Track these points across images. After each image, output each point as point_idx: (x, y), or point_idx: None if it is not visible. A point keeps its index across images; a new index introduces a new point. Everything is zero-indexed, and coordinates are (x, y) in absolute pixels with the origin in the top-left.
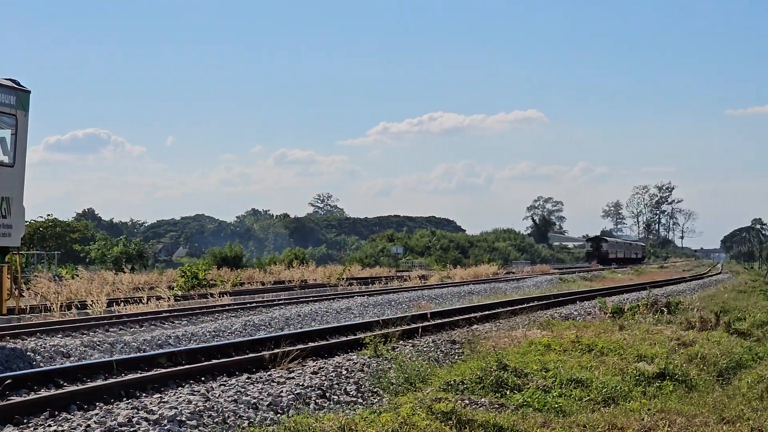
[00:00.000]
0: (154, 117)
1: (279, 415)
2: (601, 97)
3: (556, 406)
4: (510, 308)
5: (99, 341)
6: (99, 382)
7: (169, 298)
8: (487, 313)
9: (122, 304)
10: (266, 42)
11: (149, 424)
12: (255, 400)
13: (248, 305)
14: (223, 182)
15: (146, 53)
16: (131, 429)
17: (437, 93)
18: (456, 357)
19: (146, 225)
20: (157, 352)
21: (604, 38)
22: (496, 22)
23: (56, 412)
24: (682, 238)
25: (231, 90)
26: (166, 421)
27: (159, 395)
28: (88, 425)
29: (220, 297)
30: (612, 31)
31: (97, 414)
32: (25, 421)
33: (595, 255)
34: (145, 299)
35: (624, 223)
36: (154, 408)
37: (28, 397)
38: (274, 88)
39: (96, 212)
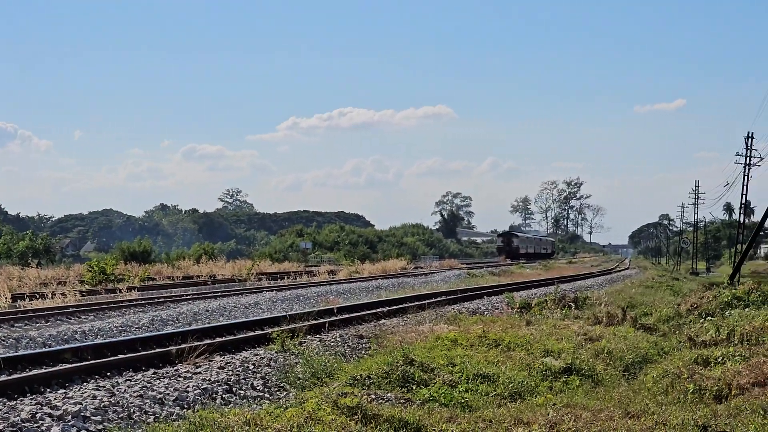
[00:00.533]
0: (61, 111)
1: (185, 410)
2: (510, 93)
3: (463, 401)
4: (417, 303)
5: (3, 336)
6: (2, 378)
7: (76, 293)
8: (394, 308)
9: (28, 299)
10: (175, 38)
11: (53, 420)
12: (161, 396)
13: (156, 300)
14: (132, 177)
15: (53, 47)
16: (35, 425)
17: (347, 88)
18: (363, 352)
19: (53, 220)
20: (62, 347)
21: (513, 35)
22: (406, 18)
23: None
24: (590, 233)
25: (139, 84)
26: (70, 416)
27: (64, 391)
28: None
29: (127, 292)
30: (521, 28)
31: (0, 410)
32: None
33: (506, 250)
34: (52, 294)
35: (533, 219)
36: (58, 404)
37: None
38: (183, 82)
39: (2, 206)
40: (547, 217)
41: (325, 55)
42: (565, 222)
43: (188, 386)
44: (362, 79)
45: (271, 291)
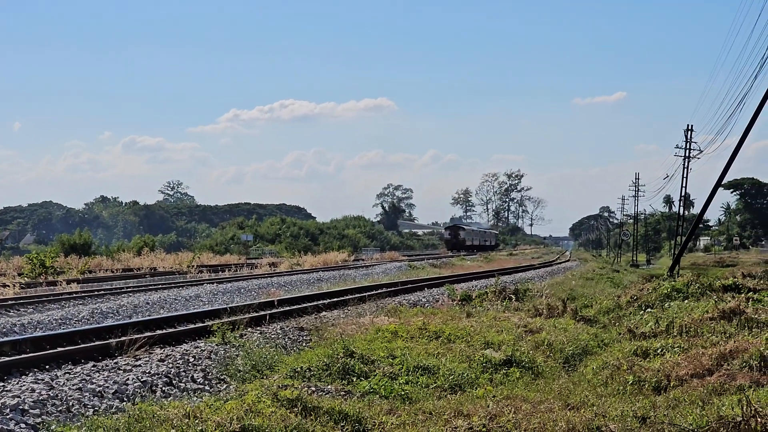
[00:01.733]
0: (1, 102)
1: (124, 403)
2: (450, 85)
3: (403, 393)
4: (358, 295)
5: None
6: None
7: (14, 285)
8: (335, 300)
9: None
10: (116, 31)
11: None
12: (100, 388)
13: (96, 293)
14: (71, 168)
15: None
16: None
17: (288, 80)
18: (304, 344)
19: None
20: (0, 340)
21: (454, 28)
22: (348, 11)
23: None
24: (531, 225)
25: (78, 75)
26: (8, 410)
27: (1, 384)
28: None
29: (67, 285)
30: (459, 21)
31: None
32: None
33: (453, 242)
34: None
35: (474, 211)
36: None
37: None
38: (123, 74)
39: None
40: (488, 209)
41: (266, 47)
42: (506, 214)
43: (128, 379)
44: (303, 72)
45: (212, 283)
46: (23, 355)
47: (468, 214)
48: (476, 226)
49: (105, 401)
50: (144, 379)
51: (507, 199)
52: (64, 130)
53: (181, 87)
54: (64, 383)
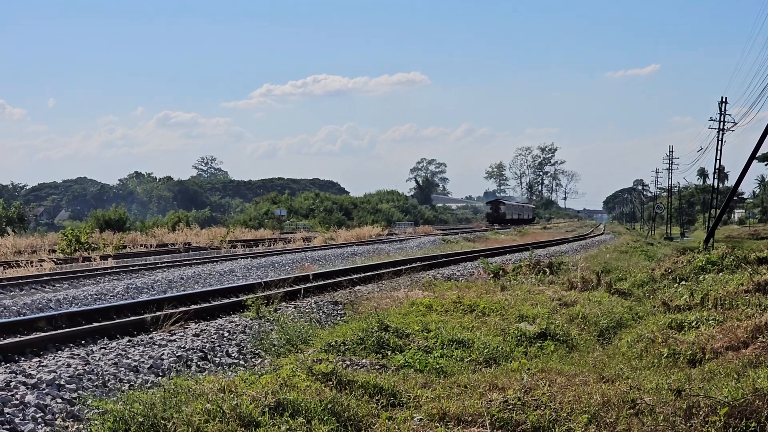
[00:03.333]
0: (35, 79)
1: (160, 377)
2: (483, 59)
3: (438, 366)
4: (392, 269)
5: None
6: None
7: (51, 261)
8: (369, 274)
9: (2, 267)
10: (150, 5)
11: (27, 389)
12: (136, 363)
13: (131, 268)
14: (106, 144)
15: (27, 15)
16: (9, 393)
17: (321, 55)
18: (338, 318)
19: (27, 188)
20: (36, 315)
21: (484, 1)
22: None
23: None
24: (565, 198)
25: (113, 51)
26: (44, 385)
27: (38, 359)
28: None
29: (102, 260)
30: None
31: None
32: None
33: (494, 216)
34: (26, 263)
35: (507, 184)
36: (32, 372)
37: None
38: (157, 49)
39: None
40: (521, 183)
41: (299, 22)
42: (540, 188)
43: (163, 354)
44: (336, 47)
45: (246, 258)
46: (59, 331)
47: (501, 188)
48: (515, 201)
49: (140, 376)
50: (179, 353)
51: (541, 173)
52: (98, 106)
53: (215, 62)
54: (99, 358)
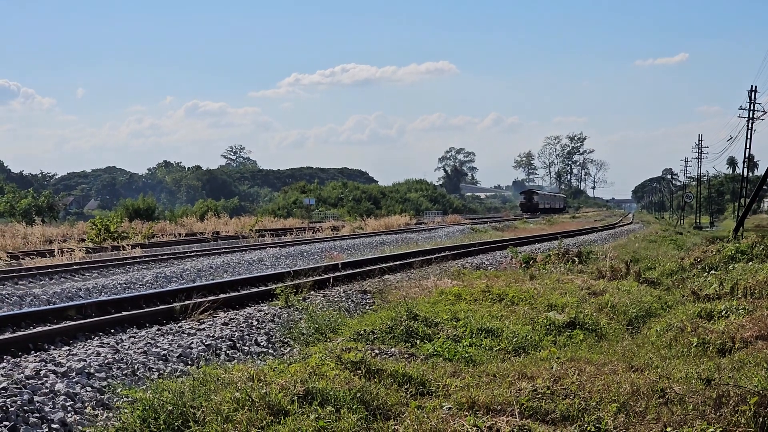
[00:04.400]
0: (64, 69)
1: (189, 366)
2: (511, 48)
3: (467, 355)
4: (421, 258)
5: (8, 294)
6: (7, 335)
7: (80, 250)
8: (398, 263)
9: (32, 256)
10: None
11: (57, 377)
12: (165, 352)
13: (160, 257)
14: (134, 134)
15: (56, 4)
16: (39, 381)
17: (349, 44)
18: (367, 307)
19: (57, 177)
20: (66, 304)
21: None
22: None
23: None
24: (593, 188)
25: (141, 40)
26: (74, 373)
27: (68, 348)
28: None
29: (132, 249)
30: None
31: (4, 367)
32: None
33: (528, 205)
34: (56, 252)
35: (536, 174)
36: (62, 360)
37: None
38: (185, 38)
39: (5, 165)
40: (550, 172)
41: (327, 11)
42: (569, 177)
43: (192, 342)
44: (364, 35)
45: (275, 247)
46: (88, 320)
47: (530, 177)
48: (547, 191)
49: (170, 365)
50: (208, 342)
51: (569, 162)
52: (126, 96)
53: (242, 51)
54: (129, 347)
